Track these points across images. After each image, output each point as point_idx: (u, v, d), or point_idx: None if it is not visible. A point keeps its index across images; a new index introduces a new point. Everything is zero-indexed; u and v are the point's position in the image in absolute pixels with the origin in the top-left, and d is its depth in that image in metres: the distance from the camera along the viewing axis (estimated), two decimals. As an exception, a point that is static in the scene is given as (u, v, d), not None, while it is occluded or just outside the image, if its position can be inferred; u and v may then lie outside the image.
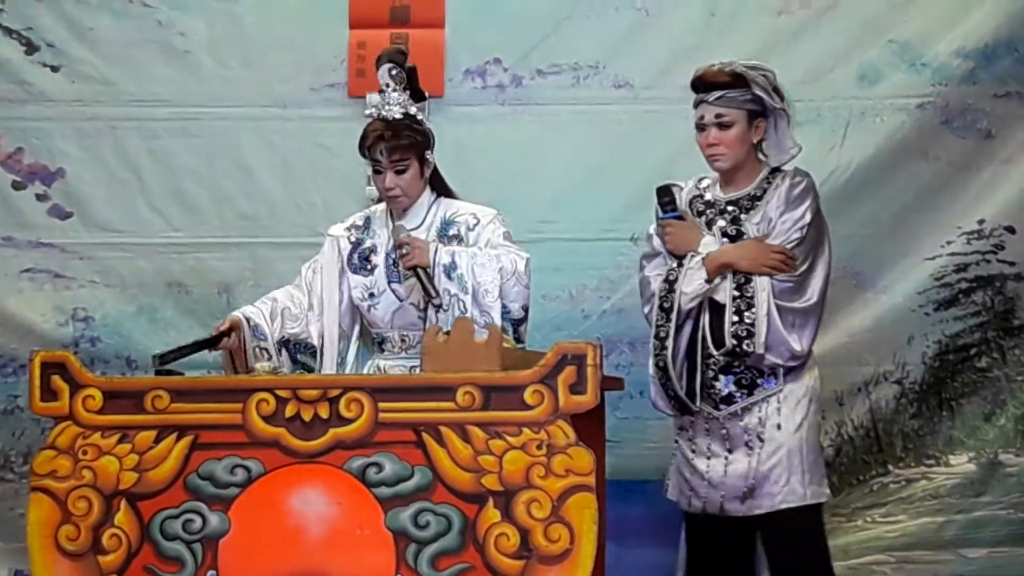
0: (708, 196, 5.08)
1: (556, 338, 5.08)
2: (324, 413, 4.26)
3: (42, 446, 4.33)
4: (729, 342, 4.85)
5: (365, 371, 4.93)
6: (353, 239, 5.01)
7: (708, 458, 4.95)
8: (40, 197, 6.24)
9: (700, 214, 5.07)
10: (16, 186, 6.25)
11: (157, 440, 4.27)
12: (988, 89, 6.07)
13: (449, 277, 4.85)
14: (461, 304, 4.82)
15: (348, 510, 4.23)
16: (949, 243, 6.08)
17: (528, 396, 4.22)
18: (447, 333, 4.42)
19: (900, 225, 6.04)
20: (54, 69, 6.27)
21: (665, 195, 5.05)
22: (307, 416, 4.26)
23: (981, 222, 6.07)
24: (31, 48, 6.27)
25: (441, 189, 5.06)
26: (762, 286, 4.86)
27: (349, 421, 4.25)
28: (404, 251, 4.85)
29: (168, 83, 6.26)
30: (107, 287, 6.21)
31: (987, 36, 6.05)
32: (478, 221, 5.00)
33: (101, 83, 6.26)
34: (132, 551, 4.26)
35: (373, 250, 4.99)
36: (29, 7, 6.25)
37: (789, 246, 4.90)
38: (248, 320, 4.88)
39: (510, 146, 6.20)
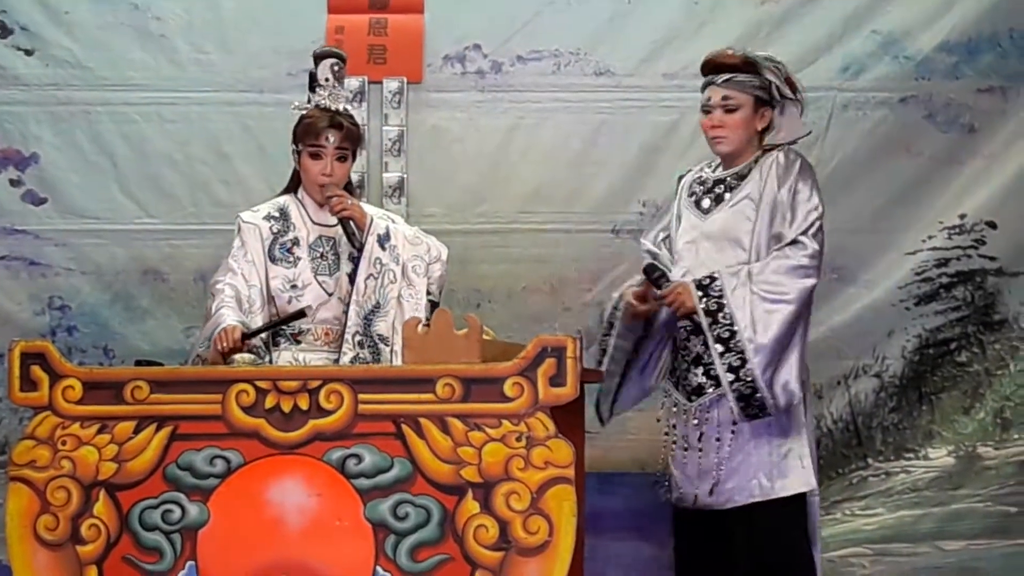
0: (704, 175, 5.09)
1: (536, 330, 5.10)
2: (304, 404, 4.25)
3: (21, 436, 4.31)
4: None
5: (276, 363, 4.91)
6: (274, 229, 5.02)
7: (685, 449, 4.95)
8: (14, 183, 6.19)
9: (692, 195, 5.07)
10: (-11, 172, 6.22)
11: (136, 431, 4.25)
12: (971, 84, 6.08)
13: (382, 247, 4.95)
14: (391, 274, 4.92)
15: (327, 501, 4.22)
16: (930, 238, 6.10)
17: (508, 388, 4.21)
18: (427, 325, 4.41)
19: (882, 220, 6.05)
20: (28, 53, 6.22)
21: (653, 272, 5.00)
22: (287, 407, 4.25)
23: (963, 217, 6.09)
24: (5, 31, 6.22)
25: (350, 193, 5.11)
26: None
27: (329, 412, 4.24)
28: (345, 203, 4.91)
29: (144, 67, 6.21)
30: (83, 274, 6.17)
31: (970, 30, 6.06)
32: (394, 221, 5.08)
33: (76, 67, 6.21)
34: (111, 541, 4.25)
35: (296, 242, 5.01)
36: (3, -11, 6.21)
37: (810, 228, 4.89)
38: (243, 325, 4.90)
39: (489, 133, 6.18)
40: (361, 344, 4.90)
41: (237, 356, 4.63)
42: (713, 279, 4.86)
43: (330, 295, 4.97)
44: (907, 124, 6.07)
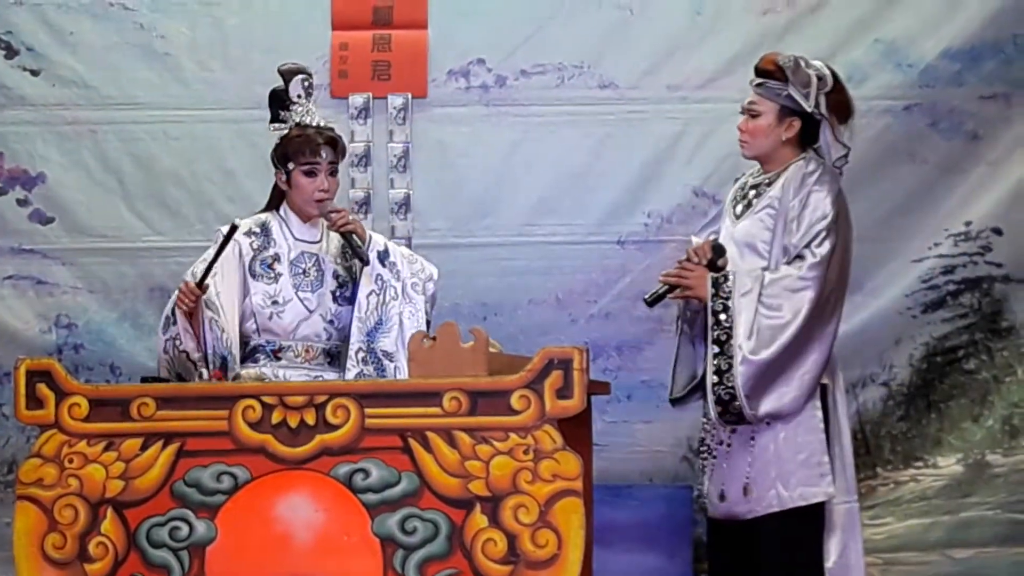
0: (745, 181, 5.07)
1: (542, 342, 5.11)
2: (310, 419, 4.24)
3: (28, 454, 4.30)
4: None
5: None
6: (254, 245, 5.00)
7: (713, 459, 4.95)
8: (21, 202, 6.22)
9: (733, 199, 5.06)
10: (-4, 191, 6.24)
11: (143, 448, 4.25)
12: (975, 91, 6.09)
13: (383, 264, 4.94)
14: (392, 291, 4.92)
15: (335, 517, 4.21)
16: (936, 245, 6.11)
17: (515, 401, 4.20)
18: (433, 339, 4.40)
19: (887, 228, 6.05)
20: (34, 73, 6.25)
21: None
22: (293, 422, 4.24)
23: (968, 224, 6.10)
24: (11, 52, 6.25)
25: None
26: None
27: (335, 427, 4.23)
28: (347, 217, 4.90)
29: (149, 86, 6.24)
30: (90, 293, 6.19)
31: (973, 37, 6.07)
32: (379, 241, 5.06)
33: (82, 87, 6.24)
34: (119, 559, 4.24)
35: (276, 258, 4.99)
36: (9, 11, 6.22)
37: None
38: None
39: (494, 147, 6.20)
40: (365, 361, 4.89)
41: (243, 372, 4.63)
42: (726, 279, 4.86)
43: (311, 312, 4.96)
44: (911, 132, 6.08)
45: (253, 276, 4.96)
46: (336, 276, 4.99)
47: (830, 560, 4.86)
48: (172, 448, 4.25)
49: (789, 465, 4.83)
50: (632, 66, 6.16)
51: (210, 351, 4.84)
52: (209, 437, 4.24)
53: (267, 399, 4.25)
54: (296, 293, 4.96)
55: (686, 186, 6.13)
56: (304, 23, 6.22)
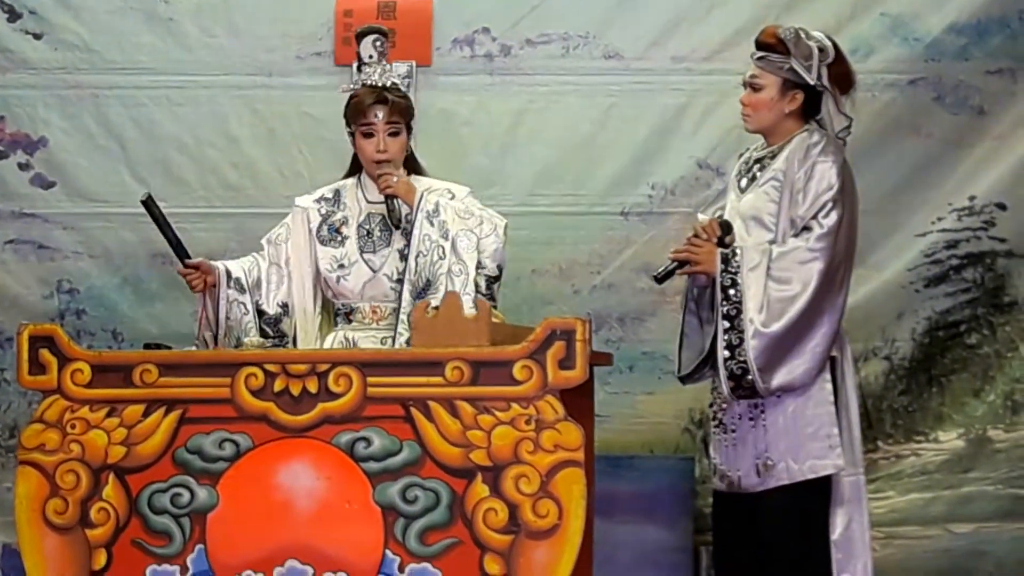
0: (749, 155, 5.05)
1: (545, 313, 5.14)
2: (313, 387, 4.25)
3: (30, 420, 4.32)
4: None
5: (329, 342, 4.90)
6: (323, 211, 5.00)
7: (723, 432, 4.95)
8: (23, 166, 6.21)
9: (738, 174, 5.04)
10: (-2, 155, 6.23)
11: (145, 414, 4.26)
12: (981, 65, 6.08)
13: (431, 223, 4.87)
14: (440, 250, 4.84)
15: (336, 485, 4.22)
16: (940, 220, 6.10)
17: (517, 371, 4.21)
18: (436, 308, 4.41)
19: (891, 202, 6.04)
20: (37, 37, 6.23)
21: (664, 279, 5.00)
22: (296, 390, 4.25)
23: (972, 199, 6.09)
24: (13, 15, 6.23)
25: (413, 167, 5.04)
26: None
27: (338, 396, 4.24)
28: (390, 180, 4.86)
29: (152, 51, 6.22)
30: (91, 258, 6.19)
31: (979, 12, 6.05)
32: (453, 196, 4.99)
33: (84, 51, 6.22)
34: (120, 525, 4.25)
35: (344, 222, 4.98)
36: (12, -27, 6.22)
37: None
38: (229, 273, 4.92)
39: (499, 117, 6.18)
40: None
41: (246, 340, 4.64)
42: (734, 254, 4.85)
43: (375, 272, 4.94)
44: (916, 106, 6.06)
45: (321, 242, 4.97)
46: (405, 234, 4.92)
47: (835, 532, 4.86)
48: (174, 415, 4.26)
49: (799, 438, 4.83)
50: (638, 37, 6.14)
51: (221, 331, 4.85)
52: (211, 404, 4.26)
53: (269, 367, 4.26)
54: (361, 255, 4.95)
55: (690, 158, 6.12)
56: (308, -11, 6.21)
